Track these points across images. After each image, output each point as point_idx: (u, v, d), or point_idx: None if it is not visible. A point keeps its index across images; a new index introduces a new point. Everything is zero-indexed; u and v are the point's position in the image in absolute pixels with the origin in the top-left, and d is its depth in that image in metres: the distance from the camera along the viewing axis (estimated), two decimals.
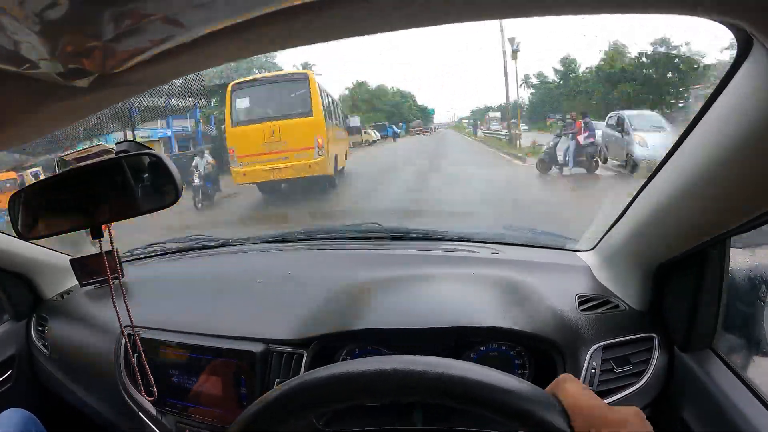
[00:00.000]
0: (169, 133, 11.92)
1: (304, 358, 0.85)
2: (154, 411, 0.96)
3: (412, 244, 1.24)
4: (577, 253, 1.06)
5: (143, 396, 0.97)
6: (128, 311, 0.79)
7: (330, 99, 7.43)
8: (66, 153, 0.65)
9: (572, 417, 0.37)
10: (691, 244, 0.66)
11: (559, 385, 0.40)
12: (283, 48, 0.32)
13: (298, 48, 0.32)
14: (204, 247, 1.42)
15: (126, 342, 1.00)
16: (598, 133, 5.92)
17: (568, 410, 0.38)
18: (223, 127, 7.35)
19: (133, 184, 0.60)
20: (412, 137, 14.25)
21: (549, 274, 0.99)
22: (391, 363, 0.43)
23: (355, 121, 10.32)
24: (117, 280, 0.99)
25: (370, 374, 0.42)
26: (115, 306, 0.76)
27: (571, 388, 0.39)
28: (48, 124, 0.39)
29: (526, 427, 0.39)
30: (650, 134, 5.34)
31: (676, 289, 0.78)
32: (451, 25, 0.31)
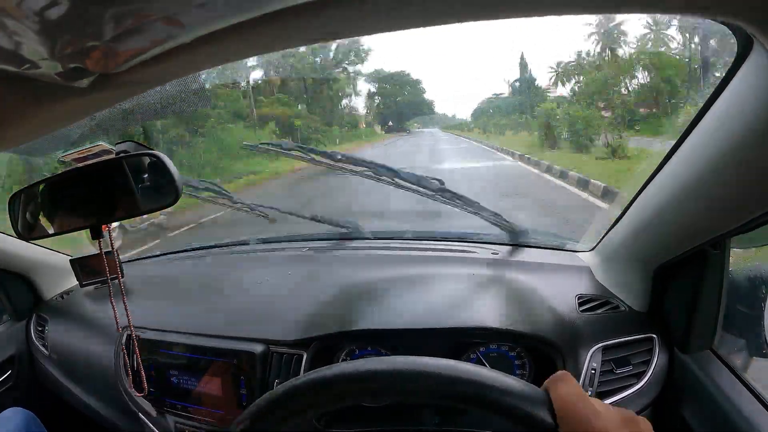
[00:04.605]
0: None
1: (304, 359, 0.85)
2: (153, 411, 0.96)
3: (412, 245, 1.24)
4: (577, 253, 1.06)
5: (140, 394, 0.97)
6: (127, 311, 0.79)
7: None
8: (66, 153, 0.65)
9: (559, 418, 0.38)
10: (691, 245, 0.66)
11: (553, 384, 0.40)
12: (283, 48, 0.32)
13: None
14: (204, 248, 1.42)
15: (125, 342, 1.00)
16: None
17: (557, 411, 0.38)
18: None
19: (134, 184, 0.60)
20: None
21: (549, 274, 0.99)
22: (375, 364, 0.43)
23: None
24: (116, 281, 0.99)
25: (367, 374, 0.43)
26: (113, 306, 0.76)
27: (564, 389, 0.39)
28: (48, 124, 0.39)
29: (513, 422, 0.39)
30: None
31: (676, 290, 0.78)
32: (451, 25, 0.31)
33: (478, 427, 0.77)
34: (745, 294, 0.77)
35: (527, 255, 1.11)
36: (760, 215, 0.51)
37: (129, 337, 1.02)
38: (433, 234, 1.32)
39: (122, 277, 1.22)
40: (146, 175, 0.61)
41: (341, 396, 0.43)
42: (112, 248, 0.76)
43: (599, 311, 0.85)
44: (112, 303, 0.76)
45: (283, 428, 0.45)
